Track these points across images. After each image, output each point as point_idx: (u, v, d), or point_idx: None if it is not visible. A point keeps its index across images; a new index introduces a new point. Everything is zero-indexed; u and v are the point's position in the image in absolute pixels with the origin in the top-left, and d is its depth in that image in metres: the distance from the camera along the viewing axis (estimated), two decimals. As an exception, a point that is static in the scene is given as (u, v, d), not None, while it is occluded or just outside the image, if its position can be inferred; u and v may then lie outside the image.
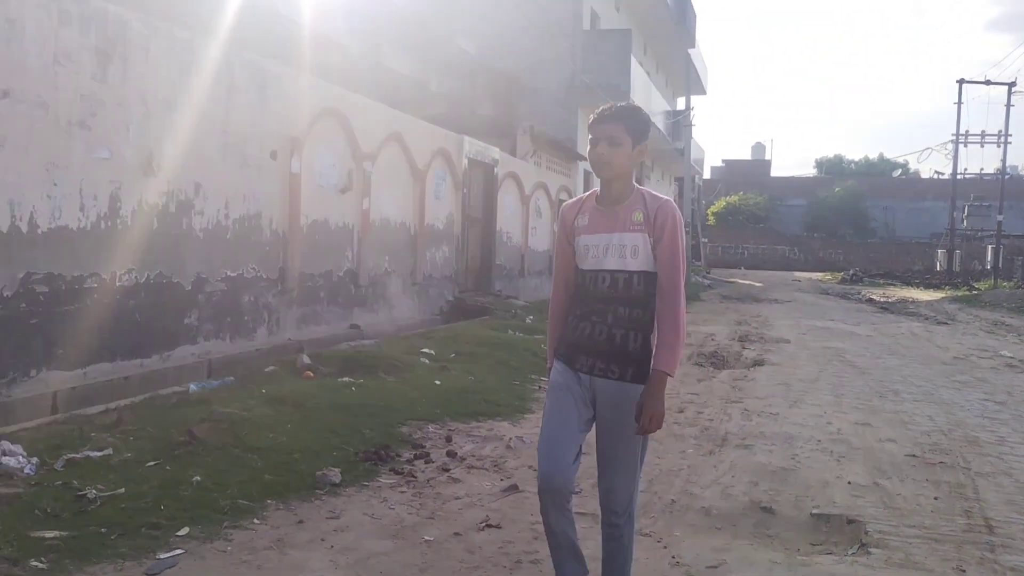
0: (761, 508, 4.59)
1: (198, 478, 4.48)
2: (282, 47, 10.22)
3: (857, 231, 57.69)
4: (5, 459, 4.48)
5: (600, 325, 3.07)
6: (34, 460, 4.58)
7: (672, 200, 3.08)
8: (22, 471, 4.43)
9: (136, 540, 3.74)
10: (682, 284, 3.01)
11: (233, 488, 4.41)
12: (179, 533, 3.87)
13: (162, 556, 3.64)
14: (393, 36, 15.61)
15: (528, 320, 12.34)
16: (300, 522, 4.16)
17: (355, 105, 10.70)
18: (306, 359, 7.54)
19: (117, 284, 7.06)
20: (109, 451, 4.82)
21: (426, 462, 5.29)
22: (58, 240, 6.45)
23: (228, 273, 8.43)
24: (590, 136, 3.08)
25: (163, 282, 7.55)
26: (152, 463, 4.69)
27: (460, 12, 20.61)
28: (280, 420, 5.57)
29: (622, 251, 3.03)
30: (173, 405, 5.86)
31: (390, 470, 5.08)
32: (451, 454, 5.49)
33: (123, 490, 4.24)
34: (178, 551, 3.70)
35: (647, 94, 25.64)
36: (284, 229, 9.24)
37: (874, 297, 25.96)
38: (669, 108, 32.66)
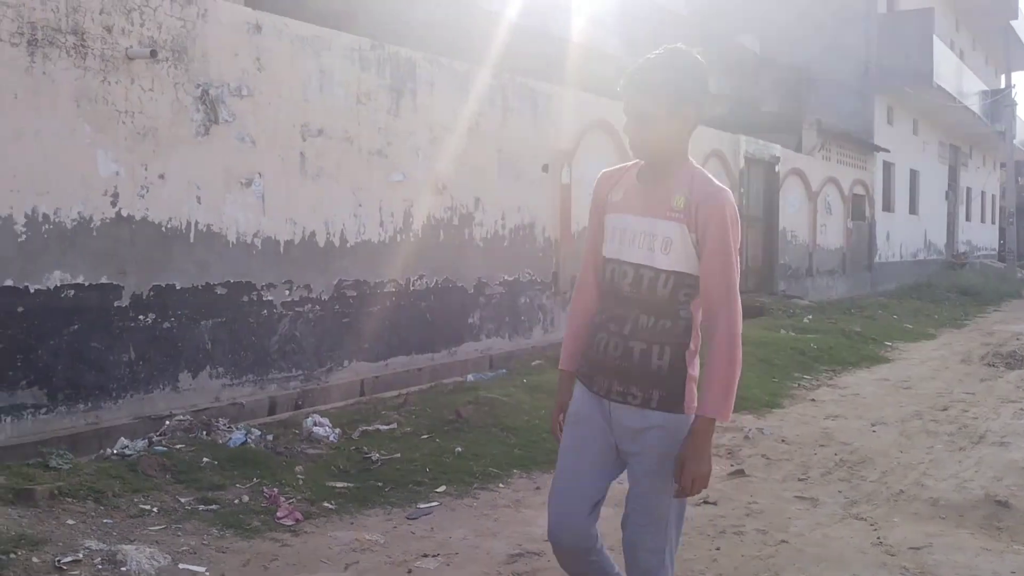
0: (996, 502, 4.47)
1: (459, 449, 5.30)
2: (552, 65, 11.08)
3: None
4: (316, 429, 5.61)
5: (616, 336, 2.46)
6: (337, 431, 5.68)
7: (727, 191, 2.41)
8: (328, 438, 5.53)
9: (403, 493, 4.61)
10: (736, 300, 2.37)
11: (486, 459, 5.18)
12: (437, 490, 4.68)
13: (421, 506, 4.47)
14: (667, 40, 15.99)
15: (806, 320, 12.14)
16: (537, 488, 4.81)
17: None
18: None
19: (411, 288, 8.23)
20: (394, 426, 5.82)
21: (664, 447, 5.71)
22: (363, 252, 7.70)
23: (505, 277, 9.39)
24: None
25: (449, 286, 8.64)
26: (425, 436, 5.61)
27: (741, 9, 20.46)
28: (535, 405, 6.29)
29: (651, 241, 2.39)
30: (450, 391, 6.81)
31: (629, 452, 5.57)
32: (689, 442, 5.84)
33: (399, 455, 5.17)
34: (434, 503, 4.51)
35: (957, 77, 23.54)
36: (556, 236, 10.06)
37: None
38: (987, 88, 29.57)
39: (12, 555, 3.39)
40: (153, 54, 5.98)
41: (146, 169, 6.01)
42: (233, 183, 6.59)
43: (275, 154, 6.88)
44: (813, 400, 7.36)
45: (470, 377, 7.61)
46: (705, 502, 4.57)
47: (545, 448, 5.45)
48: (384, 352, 7.93)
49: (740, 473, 5.09)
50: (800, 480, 4.90)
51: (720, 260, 2.33)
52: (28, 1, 5.34)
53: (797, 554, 3.82)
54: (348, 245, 7.57)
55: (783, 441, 5.89)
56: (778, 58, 20.14)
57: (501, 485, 4.85)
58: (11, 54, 5.24)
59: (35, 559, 3.42)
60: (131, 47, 5.89)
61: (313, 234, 7.25)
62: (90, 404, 5.72)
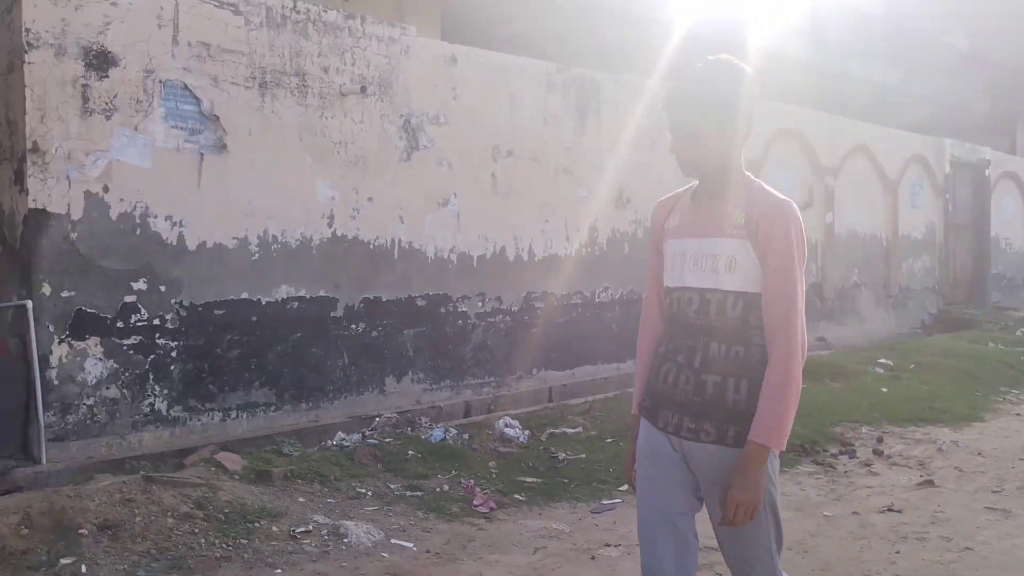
0: None
1: (641, 452, 5.56)
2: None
3: None
4: (507, 430, 6.06)
5: (686, 369, 2.29)
6: (526, 432, 6.10)
7: (790, 203, 2.24)
8: (518, 439, 5.96)
9: (587, 490, 4.95)
10: (797, 323, 2.17)
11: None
12: (620, 488, 4.97)
13: (605, 502, 4.78)
14: (864, 44, 15.49)
15: (1019, 332, 11.38)
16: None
17: (813, 122, 11.14)
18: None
19: (596, 300, 8.58)
20: (579, 429, 6.17)
21: (850, 457, 5.71)
22: (549, 265, 8.14)
23: (690, 289, 9.52)
24: None
25: (634, 298, 8.91)
26: (609, 440, 5.92)
27: (947, 6, 19.36)
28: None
29: (715, 263, 2.24)
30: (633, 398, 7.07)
31: (812, 461, 5.61)
32: (877, 452, 5.80)
33: (584, 456, 5.52)
34: (617, 500, 4.81)
35: None
36: (741, 247, 10.07)
37: None
38: None
39: (256, 524, 4.04)
40: (363, 90, 6.71)
41: (357, 193, 6.73)
42: (432, 203, 7.21)
43: (469, 175, 7.45)
44: (1018, 415, 7.01)
45: (654, 386, 7.83)
46: (889, 509, 4.58)
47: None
48: (571, 361, 8.31)
49: (929, 483, 5.03)
50: (994, 492, 4.78)
51: (781, 278, 2.17)
52: (259, 49, 6.17)
53: (981, 561, 3.80)
54: (536, 259, 8.02)
55: (979, 454, 5.71)
56: (989, 56, 18.88)
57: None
58: (245, 96, 6.08)
59: (274, 528, 4.04)
60: (344, 84, 6.63)
61: (503, 249, 7.76)
62: (311, 403, 6.47)
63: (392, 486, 4.80)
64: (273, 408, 6.26)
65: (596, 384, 8.29)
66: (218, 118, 5.95)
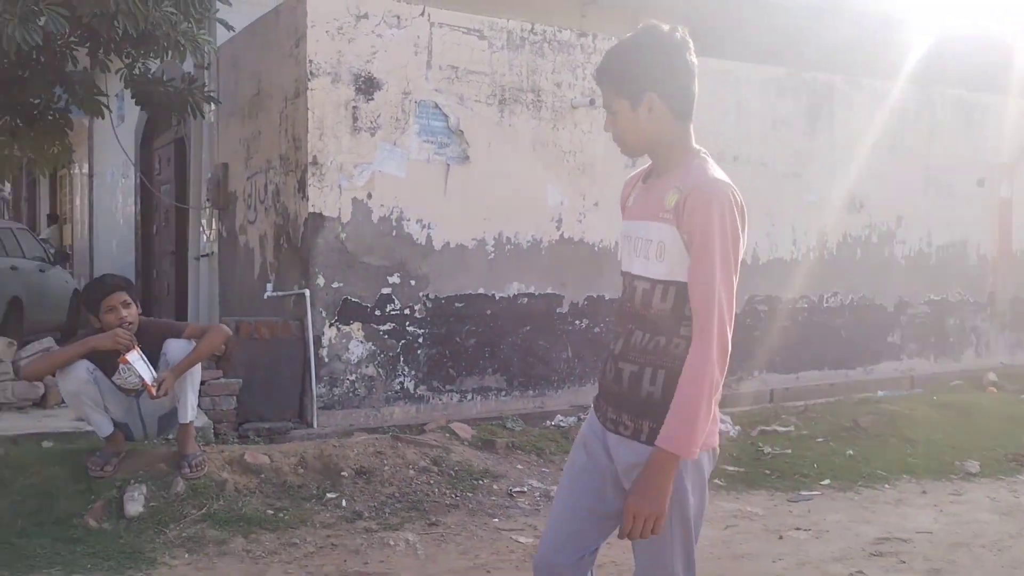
0: None
1: (851, 452, 5.74)
2: (988, 73, 10.52)
3: None
4: (719, 424, 6.40)
5: (611, 357, 2.20)
6: (737, 427, 6.42)
7: (725, 182, 2.06)
8: (727, 432, 6.29)
9: (788, 481, 5.24)
10: (714, 316, 1.97)
11: (876, 462, 5.55)
12: (822, 482, 5.21)
13: (803, 493, 5.04)
14: None
15: None
16: (924, 492, 5.09)
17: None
18: (992, 376, 7.97)
19: (824, 305, 8.63)
20: (791, 428, 6.40)
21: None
22: (774, 269, 8.32)
23: (931, 297, 9.26)
24: None
25: (865, 304, 8.84)
26: (820, 439, 6.11)
27: None
28: (940, 421, 6.40)
29: (647, 248, 2.10)
30: (854, 404, 7.14)
31: (1036, 472, 5.51)
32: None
33: (790, 451, 5.77)
34: (816, 492, 5.06)
35: None
36: (992, 254, 9.62)
37: None
38: None
39: (480, 481, 4.78)
40: (592, 102, 7.32)
41: (584, 198, 7.36)
42: (656, 208, 7.68)
43: (693, 181, 7.83)
44: None
45: (880, 393, 7.80)
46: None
47: (941, 459, 5.64)
48: (794, 365, 8.43)
49: None
50: None
51: (699, 269, 1.99)
52: (499, 69, 6.96)
53: None
54: (760, 263, 8.24)
55: None
56: None
57: (886, 486, 5.21)
58: (487, 112, 6.90)
59: (495, 486, 4.76)
60: (575, 98, 7.29)
61: (728, 252, 8.05)
62: (537, 391, 7.17)
63: (601, 463, 5.36)
64: (503, 393, 7.02)
65: (821, 389, 8.33)
66: (463, 132, 6.80)
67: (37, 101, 7.21)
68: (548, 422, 6.29)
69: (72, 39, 6.12)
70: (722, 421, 6.35)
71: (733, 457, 5.66)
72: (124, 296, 4.19)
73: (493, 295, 6.97)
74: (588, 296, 7.40)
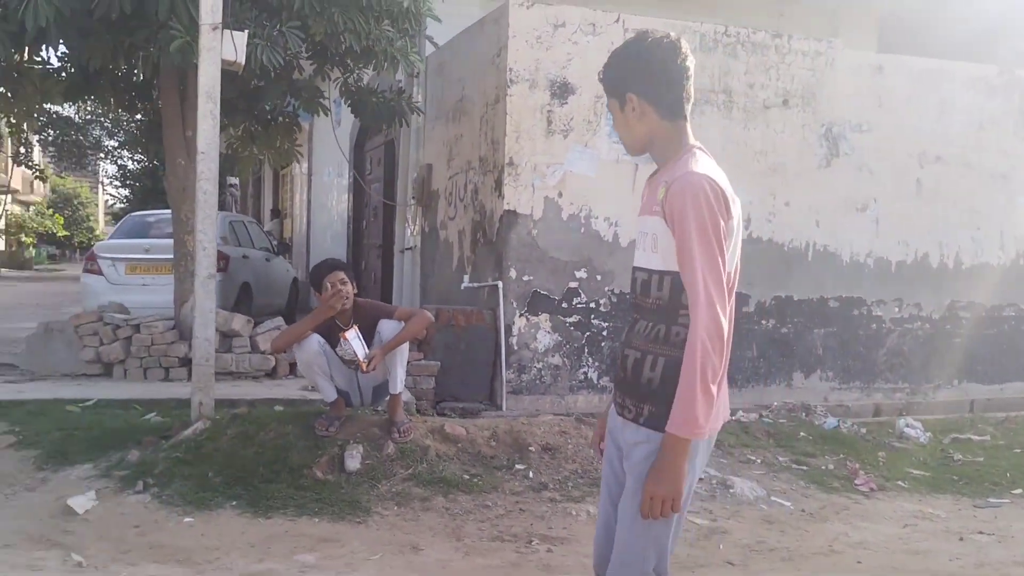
0: None
1: (1051, 463, 5.56)
2: None
3: None
4: (907, 429, 6.38)
5: (619, 345, 2.37)
6: (927, 434, 6.36)
7: (704, 173, 2.12)
8: (917, 439, 6.25)
9: (976, 488, 5.21)
10: (706, 301, 2.04)
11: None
12: (1014, 491, 5.13)
13: (992, 500, 4.99)
14: None
15: None
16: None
17: None
18: None
19: (1034, 314, 8.25)
20: (987, 438, 6.26)
21: None
22: (979, 274, 8.05)
23: None
24: None
25: (1084, 314, 8.35)
26: (1018, 450, 5.96)
27: None
28: None
29: (644, 241, 2.24)
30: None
31: None
32: None
33: (982, 459, 5.68)
34: (1006, 500, 5.00)
35: None
36: None
37: None
38: None
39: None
40: (784, 102, 7.43)
41: (774, 198, 7.47)
42: (849, 208, 7.66)
43: (890, 181, 7.75)
44: None
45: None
46: None
47: None
48: (998, 375, 8.12)
49: None
50: None
51: (684, 256, 2.08)
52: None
53: None
54: (963, 267, 8.00)
55: None
56: None
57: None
58: (678, 114, 7.16)
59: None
60: (767, 98, 7.42)
61: (926, 255, 7.90)
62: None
63: (780, 459, 5.52)
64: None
65: (1028, 402, 7.99)
66: (652, 134, 7.11)
67: (270, 108, 8.21)
68: (730, 416, 6.48)
69: (304, 54, 6.96)
70: (911, 427, 6.35)
71: (920, 462, 5.65)
72: (342, 275, 4.87)
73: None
74: (776, 296, 7.51)
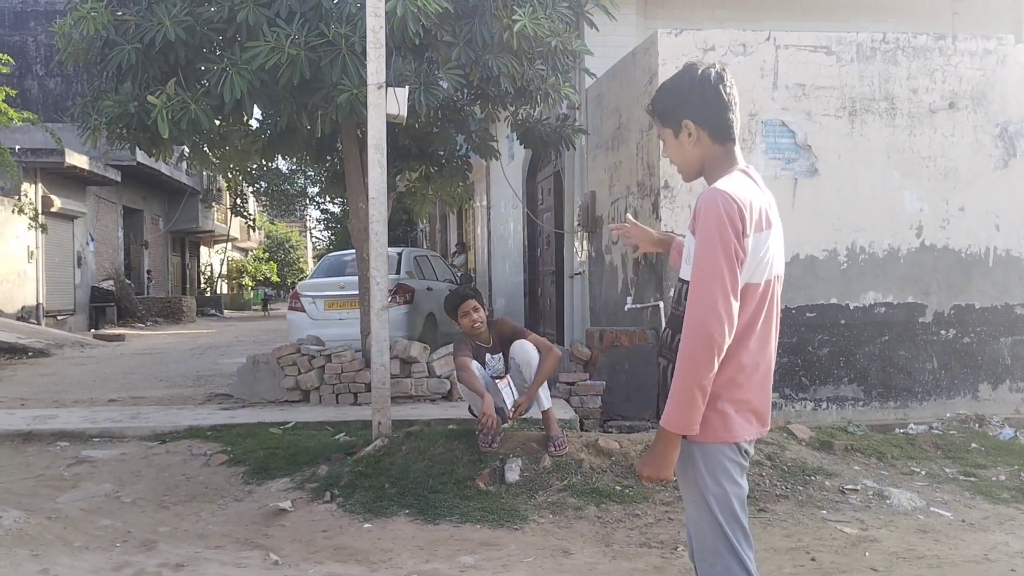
0: None
1: None
2: None
3: None
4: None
5: (656, 355, 2.55)
6: None
7: (721, 189, 2.24)
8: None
9: None
10: (707, 301, 2.16)
11: None
12: None
13: None
14: None
15: None
16: None
17: None
18: None
19: None
20: None
21: None
22: None
23: None
24: None
25: None
26: None
27: None
28: None
29: (685, 254, 2.41)
30: None
31: None
32: None
33: None
34: None
35: None
36: None
37: None
38: None
39: (812, 477, 5.19)
40: (951, 105, 7.28)
41: (947, 204, 7.31)
42: (1032, 210, 7.35)
43: (1081, 180, 7.37)
44: None
45: None
46: None
47: None
48: None
49: None
50: None
51: (696, 264, 2.22)
52: (849, 81, 7.24)
53: None
54: None
55: None
56: None
57: None
58: (835, 125, 7.20)
59: (827, 483, 5.13)
60: (933, 102, 7.30)
61: (1126, 255, 7.43)
62: (899, 402, 7.24)
63: (947, 470, 5.44)
64: (861, 403, 7.21)
65: None
66: (810, 147, 7.19)
67: (442, 152, 8.94)
68: (898, 429, 6.41)
69: (467, 99, 7.60)
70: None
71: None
72: (474, 303, 5.45)
73: (847, 305, 7.22)
74: (955, 305, 7.32)
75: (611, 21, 7.58)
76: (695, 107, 2.37)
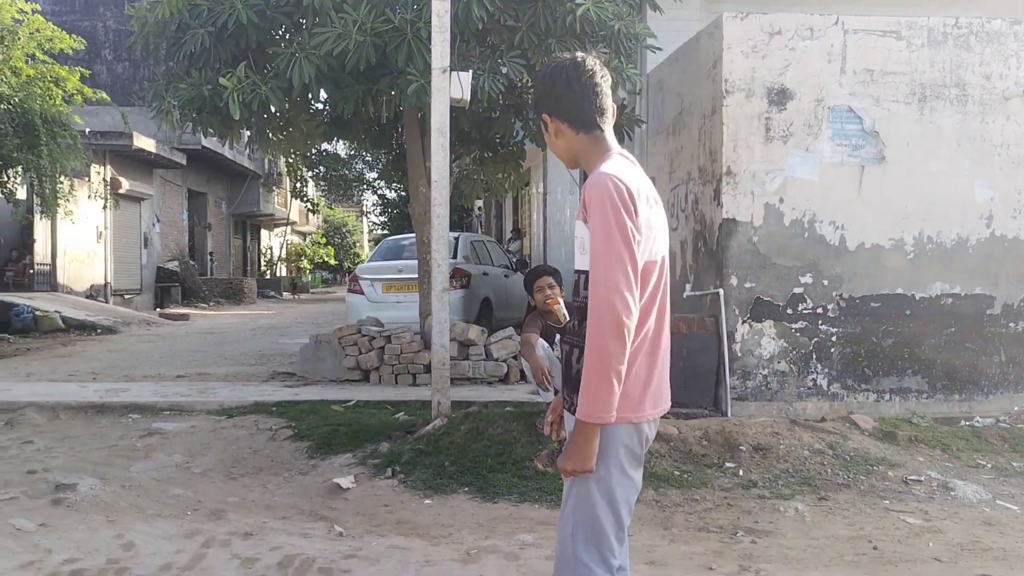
0: None
1: None
2: None
3: None
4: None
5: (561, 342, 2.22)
6: None
7: (610, 173, 2.24)
8: None
9: None
10: (608, 290, 2.16)
11: None
12: None
13: None
14: None
15: None
16: None
17: None
18: None
19: None
20: None
21: None
22: None
23: None
24: None
25: None
26: None
27: None
28: None
29: (577, 245, 2.40)
30: None
31: None
32: None
33: None
34: None
35: None
36: None
37: None
38: None
39: (875, 468, 5.15)
40: (1026, 92, 7.09)
41: (1019, 194, 7.14)
42: (1112, 200, 7.14)
43: None
44: None
45: None
46: None
47: None
48: None
49: None
50: None
51: (595, 246, 2.21)
52: (919, 67, 7.10)
53: None
54: None
55: None
56: None
57: None
58: (905, 111, 7.07)
59: (890, 473, 5.09)
60: (1006, 89, 7.12)
61: None
62: (964, 395, 7.11)
63: (1015, 464, 5.35)
64: (925, 395, 7.09)
65: None
66: (878, 133, 7.07)
67: (499, 138, 9.00)
68: (964, 421, 6.31)
69: (528, 85, 7.63)
70: None
71: None
72: (550, 280, 5.49)
73: (913, 295, 7.10)
74: (1025, 297, 7.16)
75: (675, 4, 7.54)
76: (551, 101, 2.41)
